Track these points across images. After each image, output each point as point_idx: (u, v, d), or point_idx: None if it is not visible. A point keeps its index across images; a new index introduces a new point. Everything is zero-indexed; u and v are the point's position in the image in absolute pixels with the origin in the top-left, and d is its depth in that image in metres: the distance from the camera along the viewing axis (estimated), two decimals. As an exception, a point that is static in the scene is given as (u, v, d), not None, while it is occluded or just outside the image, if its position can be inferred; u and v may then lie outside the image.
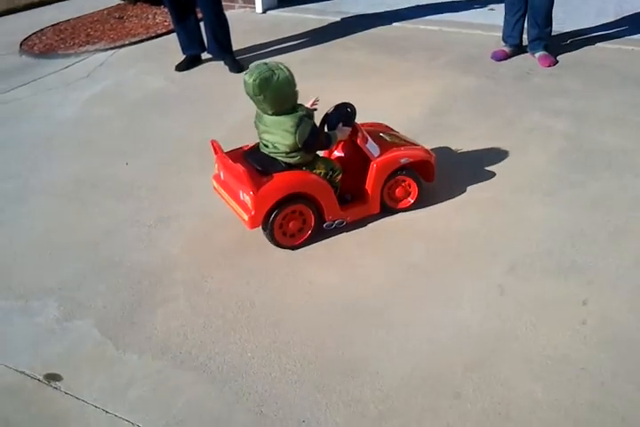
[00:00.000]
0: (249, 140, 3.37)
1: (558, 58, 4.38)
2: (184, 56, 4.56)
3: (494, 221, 2.73)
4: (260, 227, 2.58)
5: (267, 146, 2.59)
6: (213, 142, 2.68)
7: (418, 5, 5.60)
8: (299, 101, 2.54)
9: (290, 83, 2.44)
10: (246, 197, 2.51)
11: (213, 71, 4.47)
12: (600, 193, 2.89)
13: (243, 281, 2.46)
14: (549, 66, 4.29)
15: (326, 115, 2.68)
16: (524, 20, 4.37)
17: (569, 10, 5.29)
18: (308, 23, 5.31)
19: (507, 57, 4.44)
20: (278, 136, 2.50)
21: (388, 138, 2.83)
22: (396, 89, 3.96)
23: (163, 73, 4.47)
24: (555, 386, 1.95)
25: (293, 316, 2.28)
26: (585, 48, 4.58)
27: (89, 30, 5.41)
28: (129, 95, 4.16)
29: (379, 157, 2.68)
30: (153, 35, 5.23)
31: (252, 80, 2.41)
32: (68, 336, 2.24)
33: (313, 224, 2.64)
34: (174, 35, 4.88)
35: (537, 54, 4.39)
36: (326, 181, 2.61)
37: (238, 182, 2.54)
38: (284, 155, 2.55)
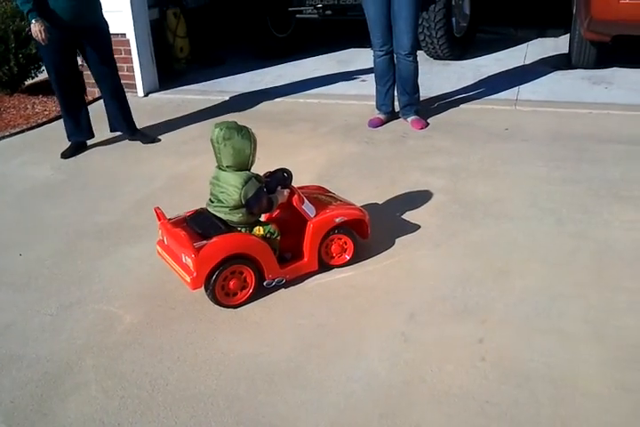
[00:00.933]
0: (144, 221, 3.44)
1: (429, 120, 4.74)
2: (69, 143, 4.58)
3: (390, 275, 2.89)
4: (203, 288, 2.68)
5: (212, 201, 2.79)
6: (156, 209, 2.85)
7: (295, 81, 5.92)
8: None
9: (249, 145, 2.69)
10: (188, 260, 2.63)
11: (100, 156, 4.50)
12: (481, 239, 3.13)
13: (155, 360, 2.46)
14: (422, 128, 4.63)
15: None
16: (393, 88, 4.73)
17: (432, 76, 5.76)
18: (191, 103, 5.48)
19: (382, 123, 4.75)
20: (226, 191, 2.71)
21: (323, 199, 3.03)
22: (284, 159, 4.12)
23: (48, 162, 4.44)
24: (464, 421, 2.07)
25: (209, 388, 2.30)
26: (451, 109, 4.99)
27: (-36, 125, 5.31)
28: (15, 186, 4.10)
29: (315, 217, 2.84)
30: (34, 124, 5.19)
31: (218, 128, 2.68)
32: (-24, 437, 2.15)
33: (253, 283, 2.75)
34: (56, 123, 4.92)
35: (409, 119, 4.74)
36: (265, 242, 2.74)
37: (180, 246, 2.68)
38: (227, 210, 2.74)
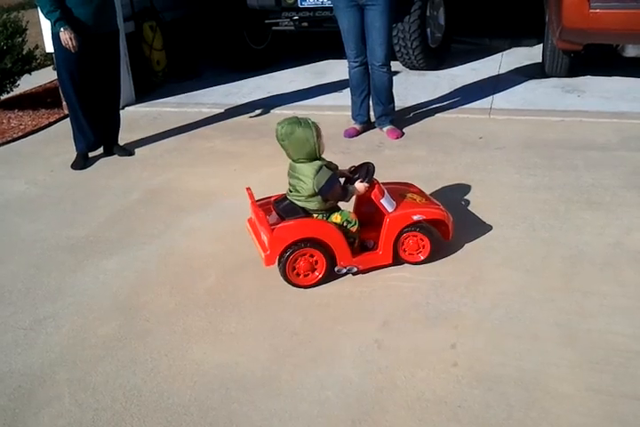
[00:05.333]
0: (119, 234, 3.44)
1: (405, 130, 4.78)
2: (78, 154, 4.53)
3: (363, 284, 2.91)
4: (276, 264, 2.85)
5: (291, 191, 2.94)
6: (247, 189, 3.06)
7: (271, 93, 5.96)
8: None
9: (312, 134, 2.82)
10: (265, 238, 2.82)
11: (75, 170, 4.48)
12: (454, 246, 3.14)
13: (128, 372, 2.45)
14: (397, 138, 4.68)
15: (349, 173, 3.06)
16: (369, 99, 4.77)
17: (408, 86, 5.82)
18: (167, 116, 5.49)
19: (358, 133, 4.79)
20: (301, 181, 2.85)
21: (409, 196, 3.08)
22: (261, 170, 4.16)
23: (23, 176, 4.41)
24: (436, 426, 2.08)
25: (183, 399, 2.29)
26: (427, 119, 5.04)
27: (-62, 142, 5.26)
28: (-10, 201, 4.08)
29: (393, 212, 2.91)
30: (9, 139, 5.15)
31: (280, 126, 2.84)
32: (-54, 453, 2.13)
33: (324, 268, 2.87)
34: (31, 138, 4.89)
35: (385, 129, 4.78)
36: (339, 229, 2.82)
37: (261, 225, 2.88)
38: (303, 199, 2.89)
